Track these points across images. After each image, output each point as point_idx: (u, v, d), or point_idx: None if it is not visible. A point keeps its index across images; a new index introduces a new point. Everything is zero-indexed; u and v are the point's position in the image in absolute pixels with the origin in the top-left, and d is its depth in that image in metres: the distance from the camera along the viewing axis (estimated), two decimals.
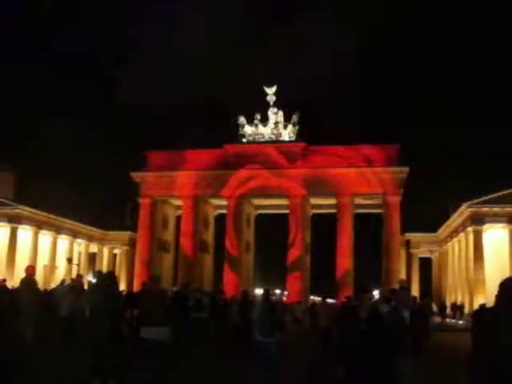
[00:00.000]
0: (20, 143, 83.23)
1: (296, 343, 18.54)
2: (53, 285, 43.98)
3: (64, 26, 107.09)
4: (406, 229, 53.58)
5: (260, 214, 56.44)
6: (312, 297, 50.73)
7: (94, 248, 66.96)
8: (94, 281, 48.66)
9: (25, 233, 53.46)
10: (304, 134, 49.07)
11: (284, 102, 50.19)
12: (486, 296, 39.86)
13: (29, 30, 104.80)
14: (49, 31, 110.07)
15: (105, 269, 55.54)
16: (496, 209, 45.07)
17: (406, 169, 46.49)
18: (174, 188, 50.06)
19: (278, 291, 55.70)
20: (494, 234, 47.36)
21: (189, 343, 14.58)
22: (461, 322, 39.72)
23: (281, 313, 13.20)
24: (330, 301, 32.23)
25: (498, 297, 4.76)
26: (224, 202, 50.41)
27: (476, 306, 24.48)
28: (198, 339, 15.45)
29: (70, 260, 53.84)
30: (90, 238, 65.19)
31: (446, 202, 53.57)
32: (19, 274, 38.70)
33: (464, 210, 46.86)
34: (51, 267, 56.08)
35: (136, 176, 51.30)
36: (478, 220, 45.64)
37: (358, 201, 48.96)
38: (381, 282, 47.15)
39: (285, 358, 12.75)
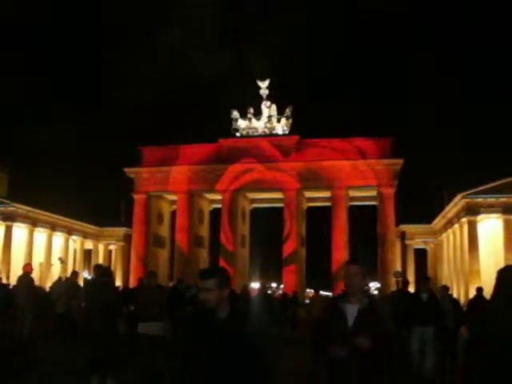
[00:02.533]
0: (14, 140, 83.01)
1: (298, 336, 18.63)
2: (49, 282, 43.96)
3: (62, 24, 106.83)
4: (400, 220, 53.68)
5: (255, 208, 56.48)
6: (308, 289, 50.94)
7: (89, 245, 66.82)
8: (90, 277, 48.71)
9: (20, 230, 53.31)
10: (297, 127, 49.17)
11: (277, 95, 50.29)
12: (482, 286, 39.98)
13: (27, 29, 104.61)
14: (48, 29, 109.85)
15: None
16: (491, 199, 45.14)
17: (399, 161, 46.56)
18: (168, 183, 50.03)
19: (274, 285, 55.81)
20: (488, 225, 47.47)
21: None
22: None
23: (278, 306, 13.22)
24: (323, 293, 32.68)
25: (496, 290, 4.75)
26: (219, 197, 50.40)
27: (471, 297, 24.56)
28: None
29: (61, 260, 53.81)
30: (85, 235, 65.05)
31: (441, 193, 53.67)
32: (15, 271, 38.75)
33: (458, 201, 46.93)
34: (47, 264, 55.98)
35: (130, 172, 51.23)
36: (472, 210, 45.71)
37: (353, 193, 49.05)
38: (377, 274, 47.35)
39: (283, 351, 12.76)
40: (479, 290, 16.04)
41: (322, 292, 37.99)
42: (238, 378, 4.16)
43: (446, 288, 14.58)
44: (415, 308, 11.73)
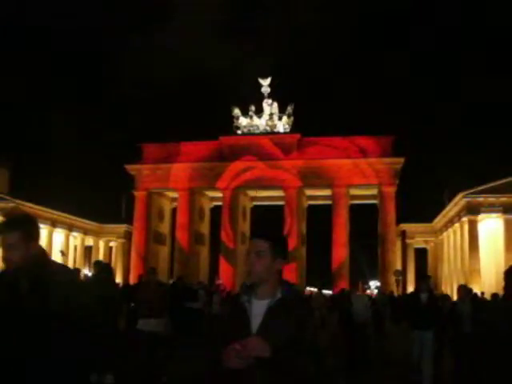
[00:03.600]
0: (15, 137, 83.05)
1: None
2: None
3: (62, 23, 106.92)
4: (401, 219, 53.67)
5: (256, 206, 56.46)
6: (308, 288, 50.92)
7: (89, 241, 66.83)
8: (90, 274, 48.76)
9: None
10: (299, 125, 49.14)
11: (279, 93, 50.22)
12: (482, 286, 40.01)
13: (28, 28, 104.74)
14: (48, 29, 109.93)
15: None
16: (491, 199, 45.11)
17: (400, 159, 46.57)
18: (169, 180, 50.05)
19: None
20: (489, 224, 47.44)
21: (184, 333, 14.63)
22: None
23: None
24: (325, 292, 32.85)
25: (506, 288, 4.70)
26: (219, 194, 50.41)
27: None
28: (192, 329, 15.52)
29: (63, 253, 53.76)
30: (86, 232, 65.05)
31: (442, 192, 53.66)
32: None
33: (459, 200, 46.93)
34: None
35: (131, 169, 51.25)
36: (473, 210, 45.69)
37: (354, 192, 49.03)
38: (377, 272, 47.37)
39: None
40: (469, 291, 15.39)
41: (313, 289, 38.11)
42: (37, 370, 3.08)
43: (465, 288, 12.56)
44: (414, 310, 10.72)
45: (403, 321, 11.28)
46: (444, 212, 53.63)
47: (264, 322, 3.12)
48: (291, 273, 46.61)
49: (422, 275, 12.64)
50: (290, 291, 3.28)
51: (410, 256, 60.60)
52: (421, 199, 59.48)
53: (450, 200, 50.04)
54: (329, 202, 49.07)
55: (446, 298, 14.78)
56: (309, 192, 50.71)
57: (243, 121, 49.46)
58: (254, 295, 3.25)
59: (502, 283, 6.20)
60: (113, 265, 56.84)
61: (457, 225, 49.51)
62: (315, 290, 33.60)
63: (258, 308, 3.18)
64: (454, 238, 51.65)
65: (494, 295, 13.98)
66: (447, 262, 55.04)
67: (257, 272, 3.23)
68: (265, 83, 49.56)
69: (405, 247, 60.43)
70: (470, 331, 10.80)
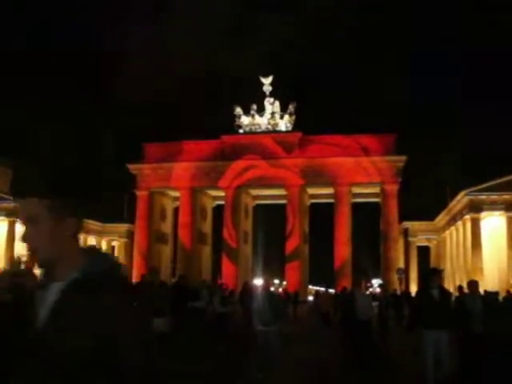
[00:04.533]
0: (17, 137, 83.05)
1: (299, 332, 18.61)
2: None
3: (62, 22, 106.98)
4: (403, 217, 53.58)
5: (258, 205, 56.43)
6: (311, 286, 51.00)
7: (91, 241, 66.80)
8: None
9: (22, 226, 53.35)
10: (300, 124, 49.07)
11: (280, 91, 50.12)
12: (484, 284, 39.92)
13: (28, 28, 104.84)
14: (48, 28, 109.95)
15: None
16: (494, 196, 45.08)
17: (403, 158, 46.51)
18: (171, 179, 50.04)
19: (276, 281, 55.81)
20: (491, 222, 47.37)
21: (186, 332, 14.60)
22: None
23: (281, 304, 13.30)
24: (330, 290, 33.22)
25: None
26: (222, 193, 50.40)
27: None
28: (194, 328, 15.51)
29: None
30: (88, 231, 65.02)
31: (444, 190, 53.55)
32: None
33: (462, 198, 46.88)
34: None
35: (133, 168, 51.24)
36: (475, 208, 45.65)
37: (356, 190, 48.98)
38: (380, 271, 47.29)
39: (289, 345, 12.79)
40: (461, 288, 15.17)
41: (321, 289, 38.19)
42: None
43: (475, 283, 11.63)
44: (427, 307, 9.42)
45: (416, 324, 10.14)
46: (446, 210, 53.56)
47: (51, 316, 1.93)
48: (293, 271, 46.67)
49: (433, 269, 12.11)
50: (95, 264, 2.01)
51: (412, 254, 60.51)
52: (423, 197, 59.36)
53: (452, 198, 49.97)
54: (331, 201, 49.03)
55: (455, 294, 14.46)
56: (311, 190, 50.68)
57: (245, 119, 49.44)
58: (53, 279, 2.04)
59: (508, 281, 6.12)
60: None
61: (459, 223, 49.45)
62: (322, 289, 34.00)
63: (52, 294, 1.99)
64: (456, 235, 51.58)
65: (494, 293, 13.86)
66: (450, 260, 54.95)
67: (34, 247, 2.05)
68: (266, 81, 49.53)
69: (407, 245, 60.34)
70: (481, 332, 10.15)
